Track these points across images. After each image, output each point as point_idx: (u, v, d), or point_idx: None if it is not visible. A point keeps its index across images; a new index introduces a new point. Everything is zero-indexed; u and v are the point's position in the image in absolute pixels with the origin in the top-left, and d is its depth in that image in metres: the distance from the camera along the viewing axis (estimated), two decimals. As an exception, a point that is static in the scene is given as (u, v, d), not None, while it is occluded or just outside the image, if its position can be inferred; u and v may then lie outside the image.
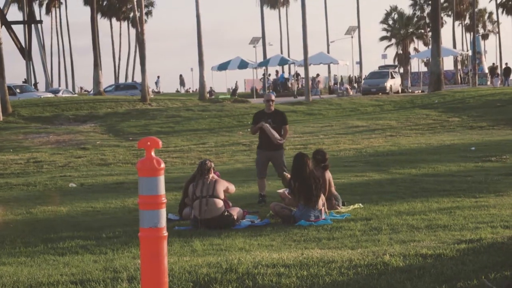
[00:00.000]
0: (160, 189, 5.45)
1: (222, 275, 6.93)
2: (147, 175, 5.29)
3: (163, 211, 5.35)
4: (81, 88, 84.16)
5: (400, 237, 10.10)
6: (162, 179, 5.43)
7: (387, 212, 12.42)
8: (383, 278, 6.69)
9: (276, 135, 14.47)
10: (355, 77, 77.14)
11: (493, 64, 71.15)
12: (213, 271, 7.08)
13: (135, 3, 53.47)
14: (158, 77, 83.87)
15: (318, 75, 68.81)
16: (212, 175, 12.61)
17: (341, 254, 7.71)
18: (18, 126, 36.80)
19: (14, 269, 8.56)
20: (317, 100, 45.84)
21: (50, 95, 56.70)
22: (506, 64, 69.31)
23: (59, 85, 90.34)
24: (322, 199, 12.33)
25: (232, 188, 12.79)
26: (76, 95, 67.30)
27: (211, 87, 64.89)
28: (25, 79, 70.81)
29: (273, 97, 15.25)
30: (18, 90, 53.94)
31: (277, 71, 72.59)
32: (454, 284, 6.35)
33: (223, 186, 12.41)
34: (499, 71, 68.45)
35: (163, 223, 5.37)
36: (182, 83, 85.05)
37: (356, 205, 13.41)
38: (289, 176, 12.98)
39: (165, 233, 5.43)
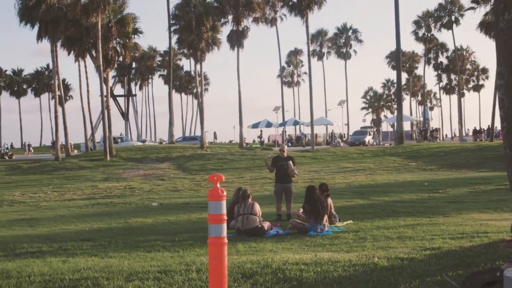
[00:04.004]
0: (223, 209, 5.32)
1: (261, 269, 6.76)
2: (214, 200, 5.19)
3: (224, 225, 5.23)
4: (161, 139, 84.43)
5: (380, 244, 9.85)
6: (224, 203, 5.31)
7: (370, 227, 12.18)
8: (374, 274, 6.48)
9: (294, 170, 14.49)
10: (343, 134, 76.79)
11: (432, 128, 70.55)
12: (254, 266, 6.92)
13: (197, 83, 54.07)
14: (214, 132, 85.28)
15: (333, 131, 69.24)
16: (250, 199, 12.48)
17: (343, 256, 7.50)
18: (119, 164, 36.94)
19: (118, 261, 8.43)
20: (319, 149, 45.54)
21: (140, 143, 57.08)
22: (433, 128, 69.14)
23: (146, 137, 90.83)
24: (326, 217, 12.15)
25: (260, 212, 12.61)
26: (157, 143, 67.57)
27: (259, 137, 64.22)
28: (121, 133, 71.44)
29: (285, 148, 15.17)
30: (119, 140, 54.28)
31: (301, 131, 72.87)
32: (424, 279, 6.15)
33: (258, 207, 12.26)
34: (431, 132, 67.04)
35: (224, 233, 5.24)
36: (215, 136, 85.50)
37: (348, 221, 13.19)
38: (300, 211, 12.69)
39: (226, 241, 5.30)
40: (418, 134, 69.81)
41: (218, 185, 5.34)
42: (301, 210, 12.72)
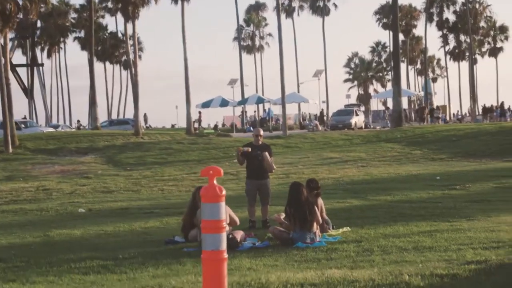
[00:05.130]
0: (222, 214, 5.26)
1: (256, 293, 6.75)
2: (210, 201, 5.12)
3: (224, 235, 5.16)
4: (79, 122, 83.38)
5: (392, 258, 9.97)
6: (223, 205, 5.25)
7: (374, 235, 12.30)
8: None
9: (272, 164, 14.53)
10: (321, 113, 77.34)
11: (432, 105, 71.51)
12: (246, 290, 6.90)
13: (129, 48, 53.55)
14: (145, 114, 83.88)
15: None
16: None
17: (362, 274, 7.53)
18: (26, 157, 36.32)
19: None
20: (293, 134, 45.76)
21: (51, 129, 56.27)
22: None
23: (58, 121, 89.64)
24: (316, 223, 12.20)
25: (237, 221, 12.56)
26: (74, 129, 66.78)
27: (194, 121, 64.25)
28: (25, 115, 70.27)
29: (261, 132, 15.16)
30: (23, 125, 53.40)
31: (265, 110, 72.85)
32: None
33: (228, 211, 12.20)
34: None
35: (224, 245, 5.17)
36: (145, 120, 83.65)
37: (344, 229, 13.31)
38: (282, 216, 12.70)
39: (226, 256, 5.24)
40: (414, 113, 70.80)
41: (215, 181, 5.26)
42: (283, 215, 12.76)
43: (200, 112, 69.14)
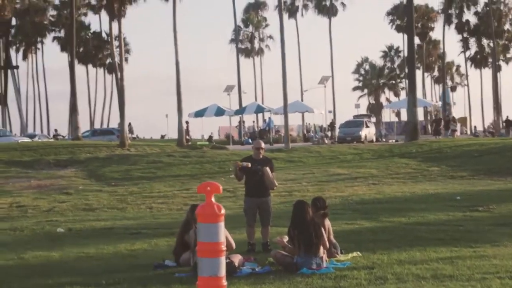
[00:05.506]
0: (221, 236, 5.20)
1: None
2: (207, 221, 5.07)
3: (223, 259, 5.10)
4: (56, 132, 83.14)
5: (408, 287, 9.92)
6: (222, 225, 5.18)
7: (388, 261, 12.25)
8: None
9: (274, 181, 14.50)
10: (328, 125, 77.35)
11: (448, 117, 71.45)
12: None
13: (114, 50, 53.55)
14: (130, 123, 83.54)
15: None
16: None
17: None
18: (-2, 170, 36.28)
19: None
20: (296, 147, 45.75)
21: (27, 139, 56.26)
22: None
23: (34, 130, 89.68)
24: (323, 247, 12.15)
25: (233, 244, 12.45)
26: (51, 139, 66.70)
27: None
28: (-3, 124, 70.34)
29: (262, 145, 15.12)
30: (-5, 135, 53.43)
31: (265, 120, 72.85)
32: None
33: (225, 233, 12.13)
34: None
35: (223, 271, 5.11)
36: (130, 130, 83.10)
37: (354, 253, 13.26)
38: (285, 239, 12.68)
39: (225, 283, 5.17)
40: (430, 126, 70.76)
41: (213, 199, 5.20)
42: (286, 238, 12.72)
43: (187, 122, 68.86)
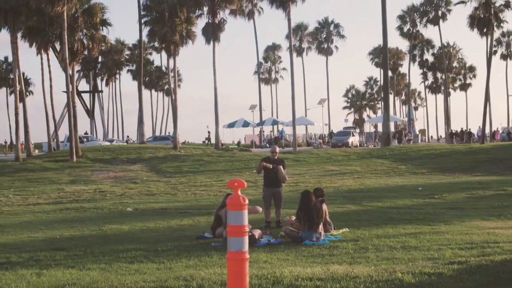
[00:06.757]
0: (245, 220, 4.99)
1: (271, 285, 6.41)
2: (235, 209, 4.86)
3: (246, 238, 4.91)
4: (128, 137, 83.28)
5: (384, 255, 9.68)
6: (246, 212, 4.99)
7: (368, 236, 11.99)
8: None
9: (285, 176, 14.32)
10: (325, 135, 77.00)
11: (401, 128, 70.73)
12: (263, 282, 6.55)
13: (170, 79, 53.57)
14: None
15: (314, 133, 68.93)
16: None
17: (361, 270, 7.20)
18: (87, 165, 36.29)
19: (101, 275, 8.03)
20: (301, 150, 45.45)
21: (107, 143, 56.34)
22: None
23: (112, 136, 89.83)
24: (321, 225, 11.92)
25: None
26: (125, 143, 66.79)
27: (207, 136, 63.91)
28: (86, 131, 70.40)
29: (277, 149, 14.91)
30: (85, 140, 53.48)
31: (279, 130, 72.81)
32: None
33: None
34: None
35: (246, 247, 4.91)
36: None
37: (344, 229, 12.99)
38: (293, 218, 12.45)
39: (247, 256, 4.98)
40: (392, 136, 69.93)
41: (239, 192, 5.00)
42: (294, 217, 12.47)
43: (209, 132, 69.38)
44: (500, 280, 6.31)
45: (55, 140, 50.91)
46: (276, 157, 14.44)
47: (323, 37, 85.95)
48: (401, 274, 6.73)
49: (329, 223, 13.05)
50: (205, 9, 51.66)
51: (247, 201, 5.02)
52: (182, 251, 10.67)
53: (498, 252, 9.43)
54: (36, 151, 53.76)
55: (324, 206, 12.96)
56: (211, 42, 51.69)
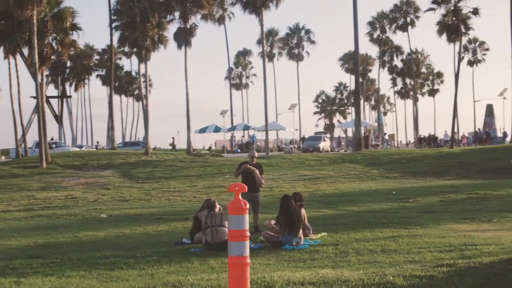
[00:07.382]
0: (246, 224, 4.93)
1: (263, 290, 6.38)
2: (235, 213, 4.80)
3: (247, 243, 4.84)
4: (98, 143, 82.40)
5: (365, 258, 9.69)
6: (247, 217, 4.92)
7: (347, 239, 12.00)
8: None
9: (262, 179, 14.33)
10: (296, 140, 77.21)
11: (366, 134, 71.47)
12: (255, 287, 6.50)
13: (141, 84, 53.12)
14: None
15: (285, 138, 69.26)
16: (217, 208, 12.25)
17: (351, 274, 7.17)
18: (57, 171, 35.73)
19: (81, 282, 7.89)
20: (273, 155, 45.46)
21: (77, 149, 55.65)
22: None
23: (82, 142, 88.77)
24: (300, 229, 11.91)
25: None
26: (95, 149, 66.04)
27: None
28: (52, 137, 69.40)
29: (256, 155, 14.91)
30: (54, 145, 52.74)
31: (249, 135, 72.91)
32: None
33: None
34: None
35: (247, 252, 4.85)
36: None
37: (322, 234, 12.99)
38: (272, 222, 12.44)
39: (249, 261, 4.92)
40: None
41: (240, 196, 4.94)
42: (273, 222, 12.44)
43: (173, 138, 70.57)
44: (490, 282, 6.36)
45: (22, 146, 50.03)
46: (254, 162, 14.42)
47: (294, 42, 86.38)
48: (392, 277, 6.74)
49: (308, 228, 13.06)
50: (177, 14, 51.37)
51: (248, 206, 4.96)
52: (161, 257, 10.55)
53: (477, 254, 9.52)
54: (3, 157, 52.90)
55: (303, 211, 12.95)
56: (183, 47, 51.44)
